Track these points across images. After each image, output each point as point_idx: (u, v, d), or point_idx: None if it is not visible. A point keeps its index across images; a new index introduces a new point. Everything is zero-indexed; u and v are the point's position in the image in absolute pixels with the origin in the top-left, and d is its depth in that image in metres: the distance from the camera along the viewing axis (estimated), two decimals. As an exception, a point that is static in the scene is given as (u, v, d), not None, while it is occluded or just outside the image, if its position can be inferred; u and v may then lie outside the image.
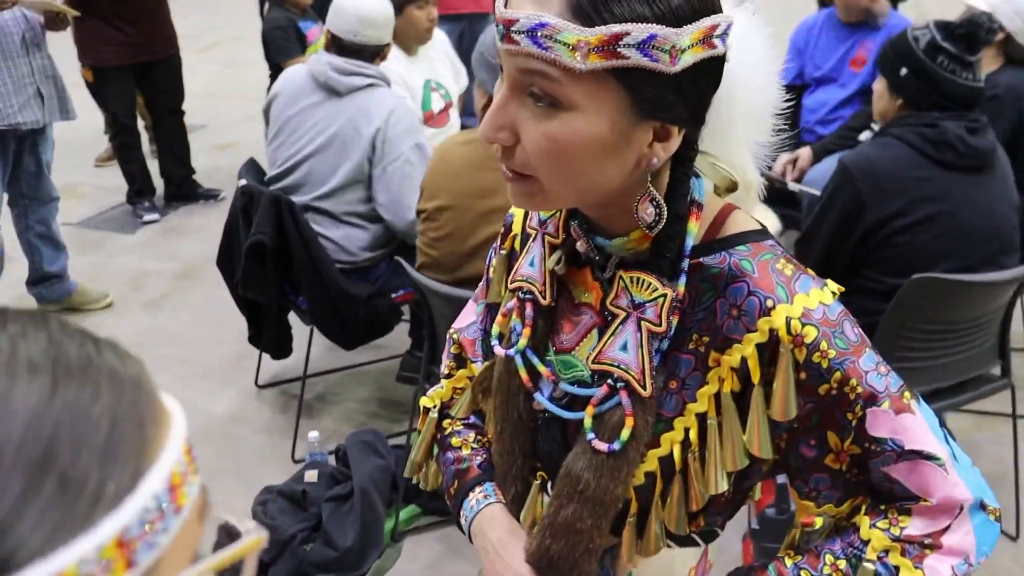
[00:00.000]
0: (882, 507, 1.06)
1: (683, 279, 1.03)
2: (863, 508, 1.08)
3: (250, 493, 2.94)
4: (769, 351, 1.00)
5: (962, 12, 3.46)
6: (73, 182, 5.85)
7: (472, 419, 1.33)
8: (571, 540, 1.09)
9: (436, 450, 1.35)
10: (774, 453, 1.04)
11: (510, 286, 1.15)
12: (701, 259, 1.03)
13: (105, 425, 0.47)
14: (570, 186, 0.97)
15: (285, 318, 3.36)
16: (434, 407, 1.34)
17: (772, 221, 3.57)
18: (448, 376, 1.34)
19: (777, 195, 4.06)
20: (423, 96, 3.82)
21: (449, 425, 1.34)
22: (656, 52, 0.87)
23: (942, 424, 1.05)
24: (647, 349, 1.02)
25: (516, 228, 1.22)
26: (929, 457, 1.01)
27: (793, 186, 3.95)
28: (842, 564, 1.05)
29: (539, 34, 0.87)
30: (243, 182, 3.19)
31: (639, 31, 0.86)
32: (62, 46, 4.71)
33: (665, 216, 0.99)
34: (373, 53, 3.27)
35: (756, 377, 1.01)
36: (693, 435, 1.05)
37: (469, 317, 1.33)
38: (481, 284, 1.30)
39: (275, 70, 5.03)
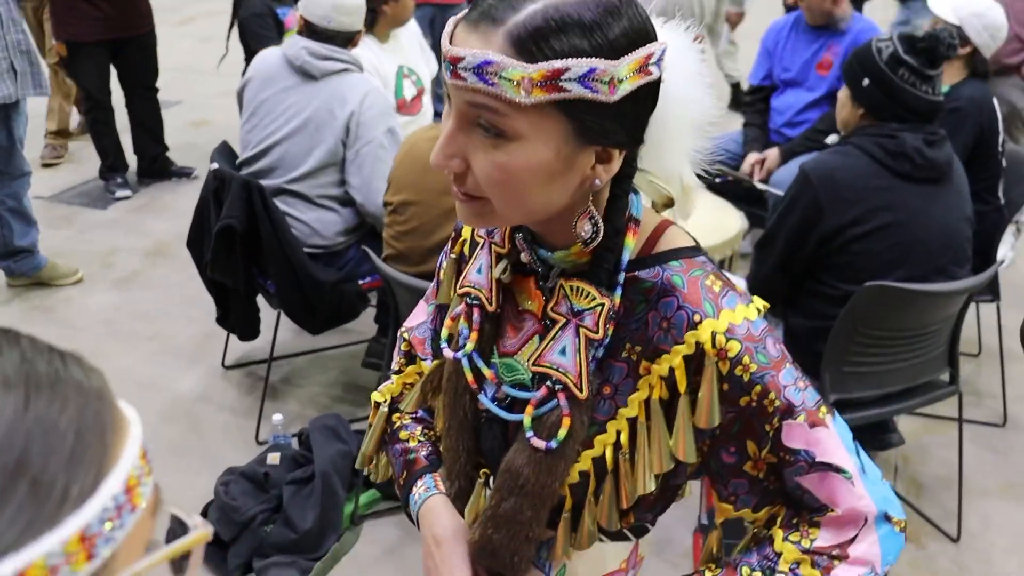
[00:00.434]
0: (794, 520, 1.12)
1: (619, 291, 1.09)
2: (779, 519, 1.14)
3: (214, 472, 2.98)
4: (695, 363, 1.06)
5: (930, 21, 3.54)
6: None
7: (420, 413, 1.39)
8: (511, 530, 1.15)
9: (386, 443, 1.40)
10: (698, 457, 1.10)
11: (458, 291, 1.21)
12: (636, 272, 1.10)
13: (71, 435, 0.52)
14: (518, 208, 1.03)
15: (253, 301, 3.39)
16: (384, 401, 1.40)
17: (738, 219, 3.66)
18: (398, 372, 1.40)
19: (744, 194, 4.14)
20: (396, 84, 3.86)
21: (398, 419, 1.39)
22: (596, 84, 0.93)
23: (855, 438, 1.12)
24: (584, 354, 1.08)
25: (466, 234, 1.28)
26: (838, 470, 1.07)
27: (760, 186, 4.02)
28: None
29: (484, 71, 0.93)
30: (215, 165, 3.22)
31: (579, 66, 0.92)
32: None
33: (602, 233, 1.06)
34: (346, 39, 3.32)
35: (683, 386, 1.07)
36: (624, 438, 1.11)
37: (420, 317, 1.38)
38: (432, 285, 1.36)
39: (250, 56, 5.03)
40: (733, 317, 1.06)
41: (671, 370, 1.07)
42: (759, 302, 1.10)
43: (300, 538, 2.75)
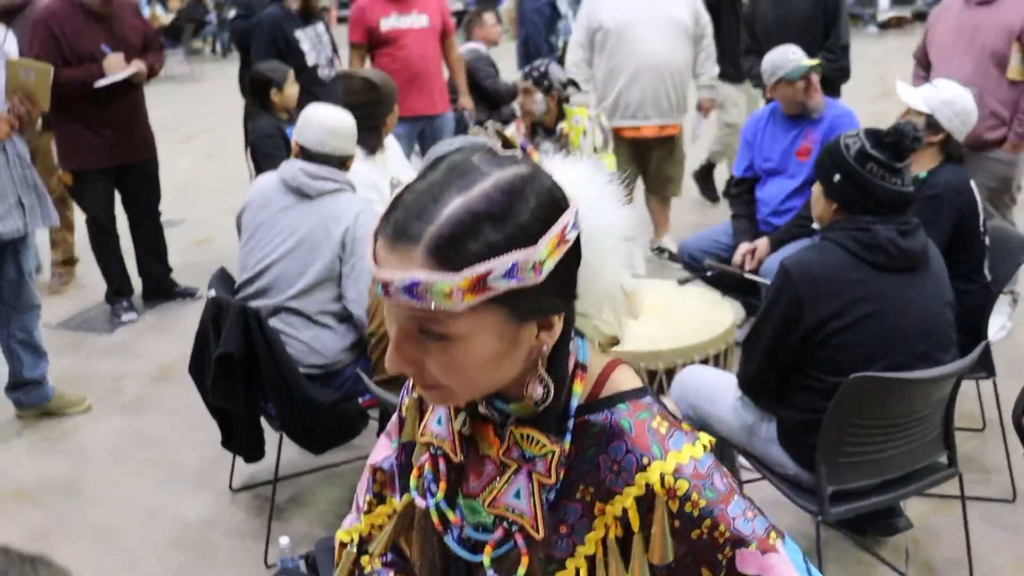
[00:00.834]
0: None
1: (568, 437, 1.14)
2: None
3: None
4: (647, 503, 1.11)
5: (899, 115, 3.63)
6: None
7: (390, 556, 1.43)
8: None
9: None
10: None
11: (421, 440, 1.27)
12: (586, 417, 1.15)
13: None
14: (477, 390, 1.11)
15: (257, 423, 3.43)
16: (352, 541, 1.43)
17: (734, 310, 3.71)
18: (368, 512, 1.43)
19: (738, 284, 4.20)
20: (391, 195, 3.96)
21: (368, 563, 1.42)
22: (521, 274, 0.99)
23: (806, 559, 1.15)
24: (538, 497, 1.14)
25: None
26: None
27: (750, 276, 4.08)
28: None
29: (414, 291, 0.99)
30: (212, 293, 3.29)
31: (501, 264, 0.98)
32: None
33: (552, 393, 1.12)
34: (340, 162, 3.43)
35: (636, 525, 1.12)
36: (583, 575, 1.15)
37: (384, 451, 1.41)
38: (394, 419, 1.40)
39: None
40: (680, 457, 1.11)
41: (624, 510, 1.12)
42: (704, 438, 1.15)
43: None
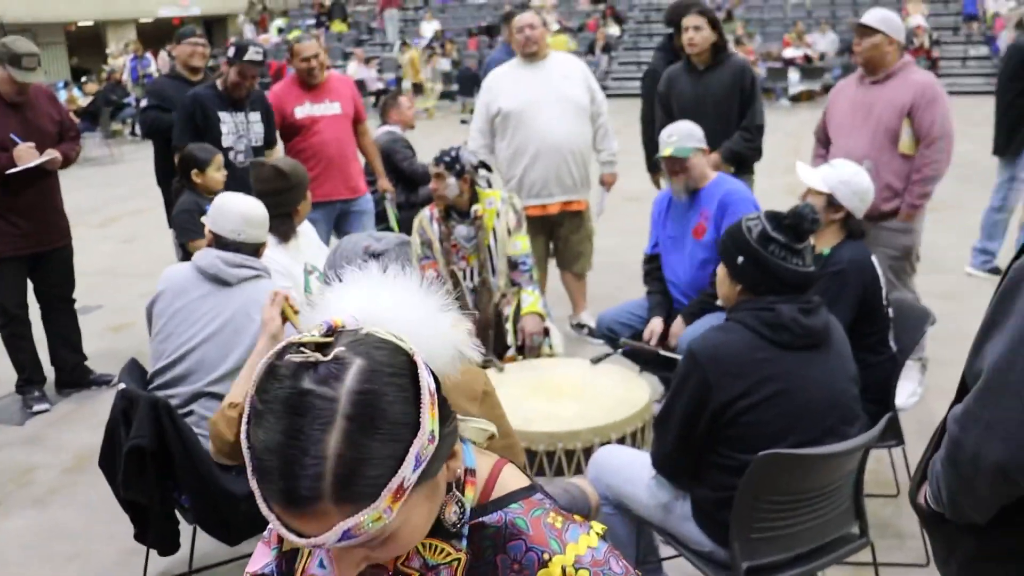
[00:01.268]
0: None
1: (465, 542, 1.17)
2: None
3: None
4: None
5: (803, 194, 3.75)
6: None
7: None
8: None
9: None
10: None
11: None
12: (481, 519, 1.18)
13: None
14: (418, 542, 1.14)
15: (171, 515, 3.37)
16: None
17: (650, 387, 3.75)
18: None
19: (656, 360, 4.26)
20: (304, 282, 3.97)
21: None
22: (424, 455, 1.01)
23: None
24: None
25: None
26: None
27: (664, 353, 4.15)
28: None
29: (349, 535, 0.98)
30: (122, 385, 3.25)
31: (407, 467, 0.99)
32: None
33: (467, 515, 1.15)
34: (254, 249, 3.46)
35: None
36: None
37: (263, 559, 1.39)
38: (271, 527, 1.39)
39: (184, 253, 5.12)
40: (578, 549, 1.15)
41: None
42: (597, 527, 1.19)
43: None
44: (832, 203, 3.67)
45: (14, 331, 5.38)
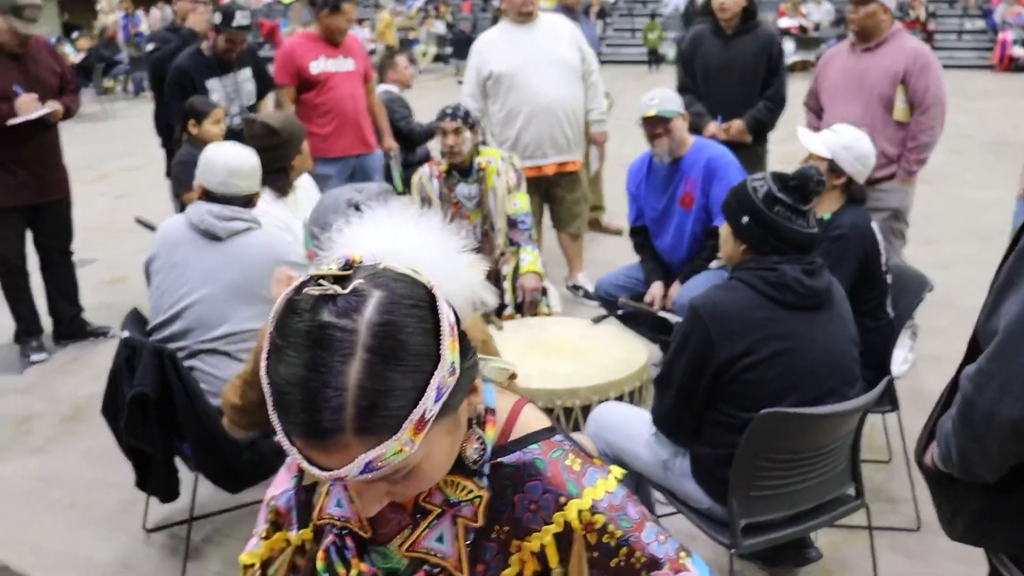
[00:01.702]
0: None
1: (486, 480, 1.19)
2: None
3: (136, 644, 2.95)
4: (565, 539, 1.17)
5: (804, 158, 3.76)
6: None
7: None
8: None
9: None
10: None
11: (319, 523, 1.29)
12: (500, 459, 1.20)
13: None
14: (441, 477, 1.16)
15: (172, 463, 3.39)
16: (254, 565, 1.43)
17: (643, 350, 3.78)
18: (266, 538, 1.43)
19: (652, 321, 4.28)
20: (304, 236, 3.97)
21: None
22: (445, 386, 1.02)
23: (712, 573, 1.23)
24: (463, 541, 1.18)
25: None
26: None
27: (662, 314, 4.17)
28: None
29: (371, 467, 0.99)
30: (125, 334, 3.26)
31: (428, 399, 0.99)
32: None
33: (488, 452, 1.17)
34: (245, 200, 3.45)
35: (554, 562, 1.17)
36: None
37: (284, 484, 1.41)
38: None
39: (183, 206, 5.11)
40: (595, 493, 1.17)
41: (542, 547, 1.17)
42: (616, 471, 1.21)
43: None
44: (833, 168, 3.68)
45: (13, 281, 5.39)
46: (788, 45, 21.25)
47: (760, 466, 2.73)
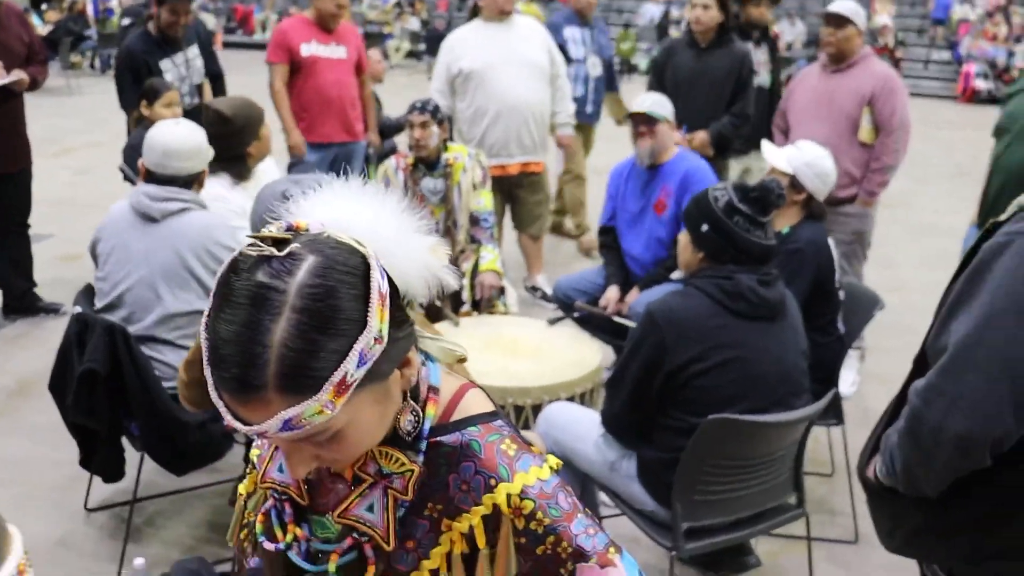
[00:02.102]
0: None
1: (422, 456, 1.20)
2: None
3: (71, 622, 2.92)
4: (493, 521, 1.18)
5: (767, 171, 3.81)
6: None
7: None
8: None
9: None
10: None
11: (261, 487, 1.32)
12: (439, 438, 1.21)
13: None
14: (372, 445, 1.17)
15: (118, 442, 3.35)
16: (243, 495, 1.44)
17: (597, 352, 3.80)
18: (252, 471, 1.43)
19: (607, 326, 4.31)
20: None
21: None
22: (370, 354, 1.04)
23: (641, 572, 1.24)
24: (392, 512, 1.19)
25: None
26: None
27: (617, 319, 4.20)
28: None
29: (290, 425, 1.01)
30: (77, 309, 3.23)
31: (350, 362, 1.01)
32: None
33: (421, 419, 1.19)
34: (186, 182, 3.37)
35: (482, 543, 1.19)
36: None
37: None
38: None
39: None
40: (527, 479, 1.18)
41: (471, 528, 1.19)
42: (552, 460, 1.23)
43: None
44: (794, 184, 3.74)
45: (-35, 252, 5.31)
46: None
47: (705, 471, 2.76)
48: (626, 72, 22.00)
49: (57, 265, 6.50)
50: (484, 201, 4.68)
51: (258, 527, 1.31)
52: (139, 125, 5.03)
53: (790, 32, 23.25)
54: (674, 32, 21.16)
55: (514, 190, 5.98)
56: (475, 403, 1.25)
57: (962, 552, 1.80)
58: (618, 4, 26.50)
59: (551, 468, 1.22)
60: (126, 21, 6.43)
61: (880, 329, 5.39)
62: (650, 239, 4.53)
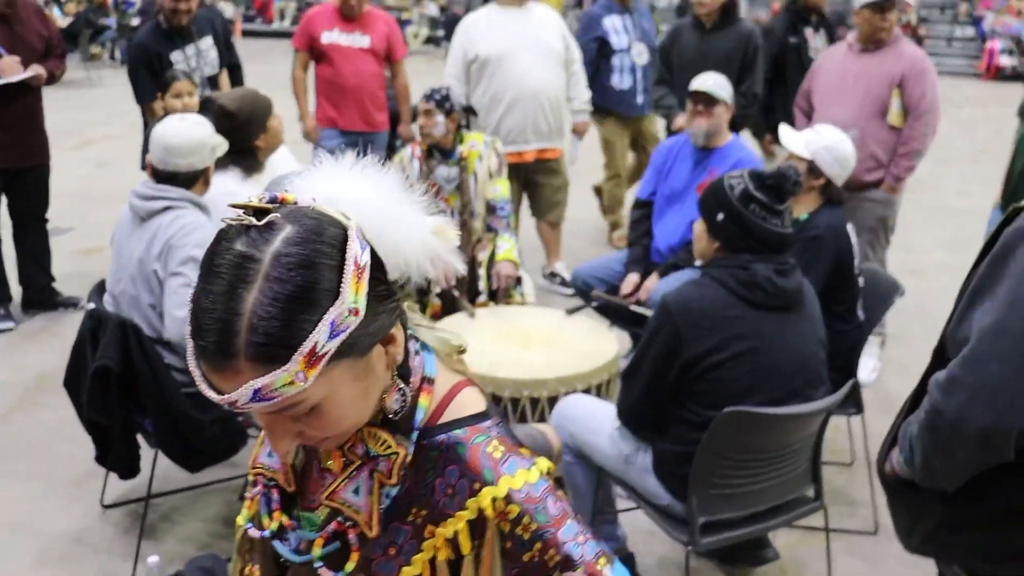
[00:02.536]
0: None
1: (412, 447, 1.18)
2: None
3: (87, 619, 2.93)
4: (478, 526, 1.15)
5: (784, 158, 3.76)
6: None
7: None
8: None
9: None
10: None
11: (252, 472, 1.31)
12: (426, 440, 1.19)
13: None
14: (359, 423, 1.15)
15: (132, 439, 3.35)
16: (241, 526, 1.44)
17: (619, 341, 3.77)
18: (251, 499, 1.42)
19: (625, 315, 4.27)
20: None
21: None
22: (343, 326, 1.02)
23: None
24: (376, 496, 1.17)
25: None
26: None
27: (635, 308, 4.16)
28: None
29: (260, 395, 1.00)
30: (91, 305, 3.22)
31: (321, 333, 1.00)
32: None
33: (408, 402, 1.16)
34: (188, 179, 3.32)
35: (466, 549, 1.16)
36: None
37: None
38: None
39: None
40: (513, 483, 1.15)
41: (456, 533, 1.16)
42: (543, 463, 1.19)
43: None
44: (813, 169, 3.68)
45: (-16, 245, 5.32)
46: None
47: (721, 464, 2.73)
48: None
49: (76, 259, 6.52)
50: (500, 189, 4.65)
51: (245, 513, 1.30)
52: (155, 118, 5.00)
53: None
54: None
55: (531, 177, 5.94)
56: (468, 403, 1.23)
57: (980, 550, 1.76)
58: (637, -14, 26.34)
59: (541, 471, 1.18)
60: (136, 21, 6.38)
61: (901, 315, 5.33)
62: (688, 220, 4.46)
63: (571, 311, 4.14)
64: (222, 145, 3.43)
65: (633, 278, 4.48)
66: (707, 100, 4.42)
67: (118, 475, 3.42)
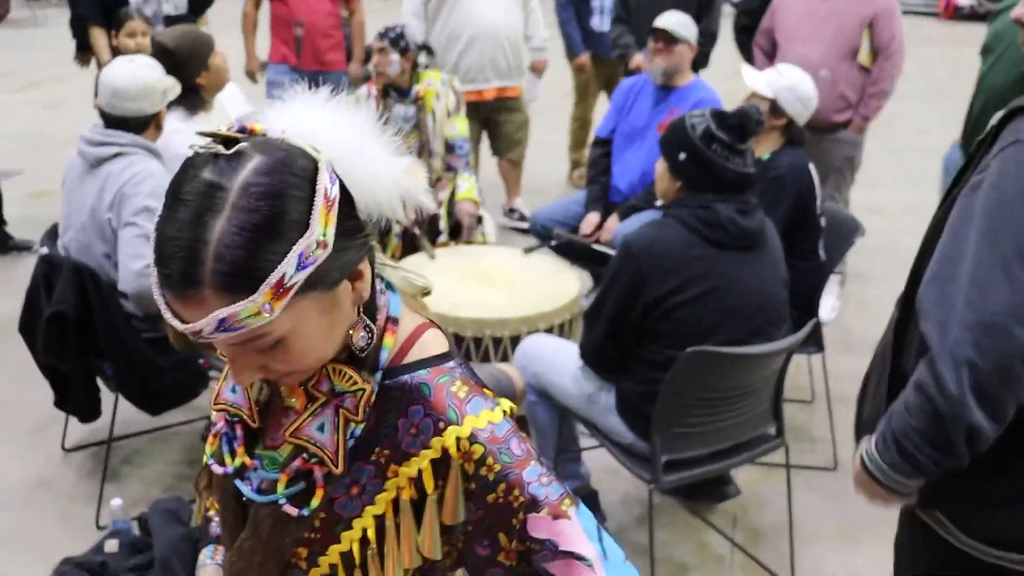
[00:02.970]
0: None
1: (377, 385, 1.17)
2: None
3: (51, 563, 2.90)
4: (442, 466, 1.14)
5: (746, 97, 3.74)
6: None
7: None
8: (248, 565, 1.25)
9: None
10: (455, 552, 1.18)
11: (215, 408, 1.29)
12: (389, 380, 1.18)
13: None
14: (325, 358, 1.13)
15: (92, 382, 3.32)
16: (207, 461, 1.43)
17: (580, 281, 3.77)
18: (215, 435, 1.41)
19: (587, 254, 4.27)
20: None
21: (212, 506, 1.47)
22: (311, 258, 1.01)
23: (599, 527, 1.18)
24: (342, 433, 1.16)
25: None
26: (579, 557, 1.15)
27: (597, 247, 4.16)
28: None
29: (225, 325, 0.99)
30: (44, 250, 3.16)
31: (288, 265, 0.99)
32: None
33: (374, 335, 1.15)
34: (139, 123, 3.23)
35: (430, 488, 1.15)
36: (371, 534, 1.17)
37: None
38: None
39: None
40: (477, 422, 1.14)
41: (419, 472, 1.15)
42: (505, 404, 1.19)
43: (140, 628, 2.70)
44: (775, 109, 3.67)
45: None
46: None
47: (684, 404, 2.75)
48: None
49: (27, 202, 6.40)
50: (459, 128, 4.60)
51: (209, 450, 1.29)
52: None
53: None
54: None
55: (492, 115, 5.90)
56: (430, 343, 1.22)
57: (972, 498, 1.67)
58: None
59: (504, 412, 1.17)
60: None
61: (861, 253, 5.37)
62: (649, 158, 4.44)
63: (529, 250, 4.13)
64: (174, 88, 3.34)
65: (593, 218, 4.47)
66: (667, 38, 4.39)
67: (78, 419, 3.39)
